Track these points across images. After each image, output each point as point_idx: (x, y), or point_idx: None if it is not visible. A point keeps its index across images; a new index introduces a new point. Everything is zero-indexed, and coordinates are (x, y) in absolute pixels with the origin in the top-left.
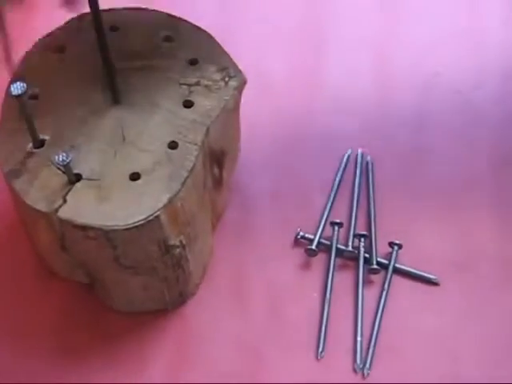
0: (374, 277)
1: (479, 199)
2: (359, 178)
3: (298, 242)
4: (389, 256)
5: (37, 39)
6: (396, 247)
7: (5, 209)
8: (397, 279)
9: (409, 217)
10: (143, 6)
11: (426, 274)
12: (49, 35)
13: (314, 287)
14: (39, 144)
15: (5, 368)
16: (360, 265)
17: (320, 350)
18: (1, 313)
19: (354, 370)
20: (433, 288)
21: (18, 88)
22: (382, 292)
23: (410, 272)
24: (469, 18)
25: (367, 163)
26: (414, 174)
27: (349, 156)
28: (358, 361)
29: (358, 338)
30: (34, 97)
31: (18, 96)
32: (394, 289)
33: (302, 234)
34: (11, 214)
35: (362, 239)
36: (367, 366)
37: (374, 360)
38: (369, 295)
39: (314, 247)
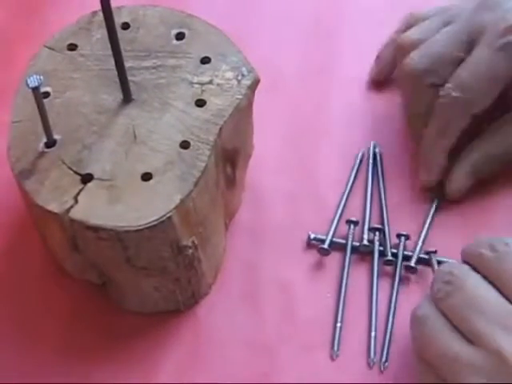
0: (389, 270)
1: (491, 189)
2: (372, 171)
3: (311, 242)
4: (400, 247)
5: (48, 37)
6: (403, 238)
7: (16, 208)
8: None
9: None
10: (155, 4)
11: (442, 259)
12: (60, 33)
13: (328, 286)
14: (51, 143)
15: (13, 367)
16: (375, 258)
17: (335, 349)
18: (12, 312)
19: (368, 365)
20: None
21: (34, 80)
22: (393, 284)
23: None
24: None
25: (375, 155)
26: None
27: (363, 154)
28: (372, 355)
29: (372, 333)
30: (46, 95)
31: (35, 88)
32: (409, 280)
33: (313, 235)
34: (23, 214)
35: (377, 233)
36: (383, 360)
37: (390, 354)
38: (384, 289)
39: (326, 246)
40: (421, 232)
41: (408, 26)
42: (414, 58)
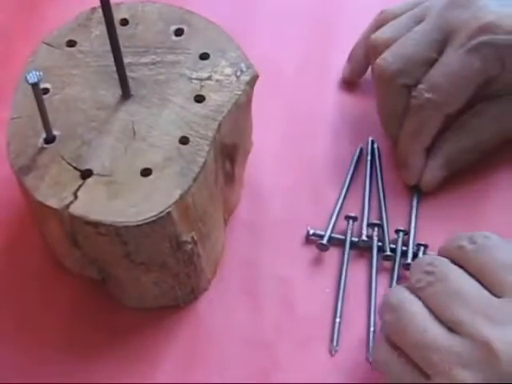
0: (388, 265)
1: (490, 189)
2: (370, 167)
3: (310, 237)
4: (399, 243)
5: (47, 34)
6: (401, 233)
7: (15, 204)
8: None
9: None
10: (154, 0)
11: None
12: (59, 30)
13: (327, 282)
14: (50, 138)
15: (13, 364)
16: (373, 253)
17: (334, 344)
18: (11, 308)
19: (368, 360)
20: None
21: (34, 76)
22: (392, 279)
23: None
24: None
25: (374, 150)
26: None
27: (361, 149)
28: (371, 351)
29: (371, 328)
30: (45, 92)
31: (35, 84)
32: (407, 275)
33: (312, 231)
34: (22, 210)
35: (375, 228)
36: None
37: None
38: (383, 284)
39: (325, 242)
40: (409, 228)
41: (379, 23)
42: (386, 59)
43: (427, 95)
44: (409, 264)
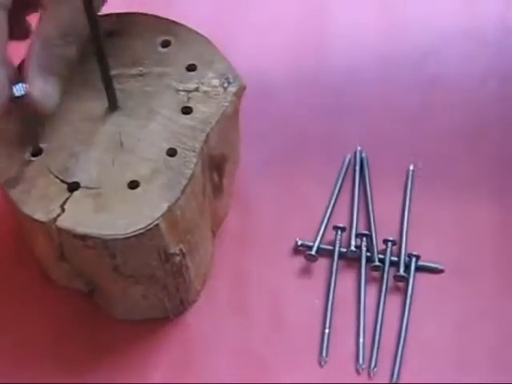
0: (377, 275)
1: (480, 200)
2: (359, 176)
3: (299, 248)
4: (387, 253)
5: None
6: (390, 244)
7: (2, 217)
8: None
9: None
10: (141, 11)
11: (430, 264)
12: None
13: (316, 292)
14: (37, 151)
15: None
16: (362, 264)
17: (323, 355)
18: None
19: (357, 371)
20: (434, 289)
21: (20, 89)
22: (380, 289)
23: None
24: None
25: (362, 160)
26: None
27: (350, 160)
28: (361, 361)
29: (361, 339)
30: None
31: (21, 97)
32: (396, 285)
33: (301, 242)
34: (8, 223)
35: (364, 238)
36: (372, 365)
37: (379, 359)
38: (372, 294)
39: (313, 253)
40: (400, 238)
41: None
42: None
43: None
44: (400, 276)
